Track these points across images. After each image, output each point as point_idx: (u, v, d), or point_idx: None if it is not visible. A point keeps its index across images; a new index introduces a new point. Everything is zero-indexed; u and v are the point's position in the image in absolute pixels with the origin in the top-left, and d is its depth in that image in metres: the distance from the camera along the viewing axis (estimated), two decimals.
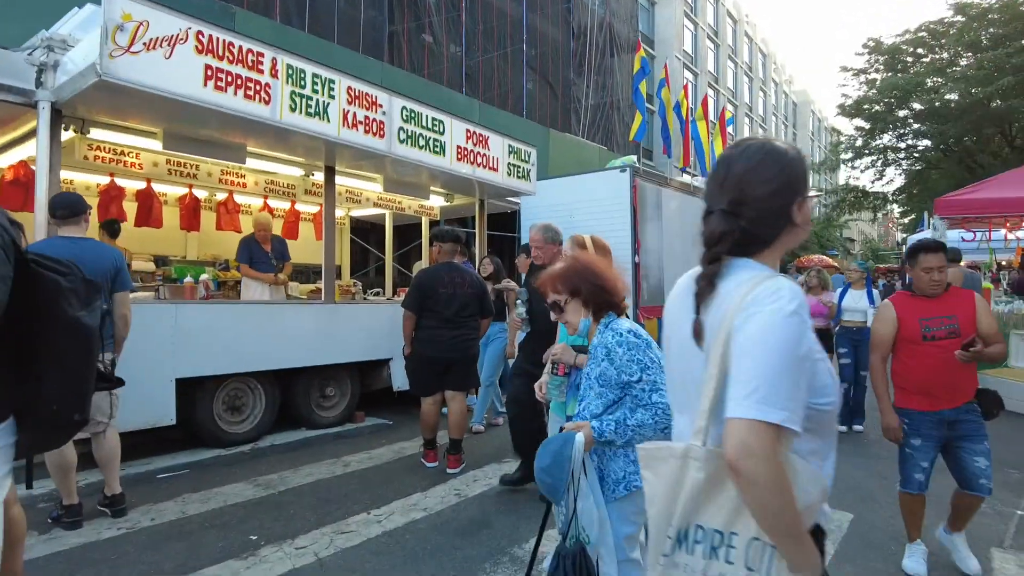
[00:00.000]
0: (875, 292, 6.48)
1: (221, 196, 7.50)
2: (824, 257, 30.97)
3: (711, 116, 17.62)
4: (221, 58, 4.54)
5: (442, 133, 6.33)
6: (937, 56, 25.90)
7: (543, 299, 3.97)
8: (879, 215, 36.85)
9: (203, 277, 5.70)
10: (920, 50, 26.10)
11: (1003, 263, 15.27)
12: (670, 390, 1.50)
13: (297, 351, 5.80)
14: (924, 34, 25.90)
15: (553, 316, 2.36)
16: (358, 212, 9.26)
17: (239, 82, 4.66)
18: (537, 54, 19.58)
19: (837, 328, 6.64)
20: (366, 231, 12.06)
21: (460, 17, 16.76)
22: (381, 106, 5.72)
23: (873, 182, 28.89)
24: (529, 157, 7.61)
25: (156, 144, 5.24)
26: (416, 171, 6.55)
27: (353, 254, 10.61)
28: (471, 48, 17.15)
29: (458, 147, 6.54)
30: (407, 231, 10.55)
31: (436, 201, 8.12)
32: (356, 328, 6.34)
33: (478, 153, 6.79)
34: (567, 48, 21.08)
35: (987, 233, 9.99)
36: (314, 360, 5.94)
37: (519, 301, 4.31)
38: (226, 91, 4.56)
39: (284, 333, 5.69)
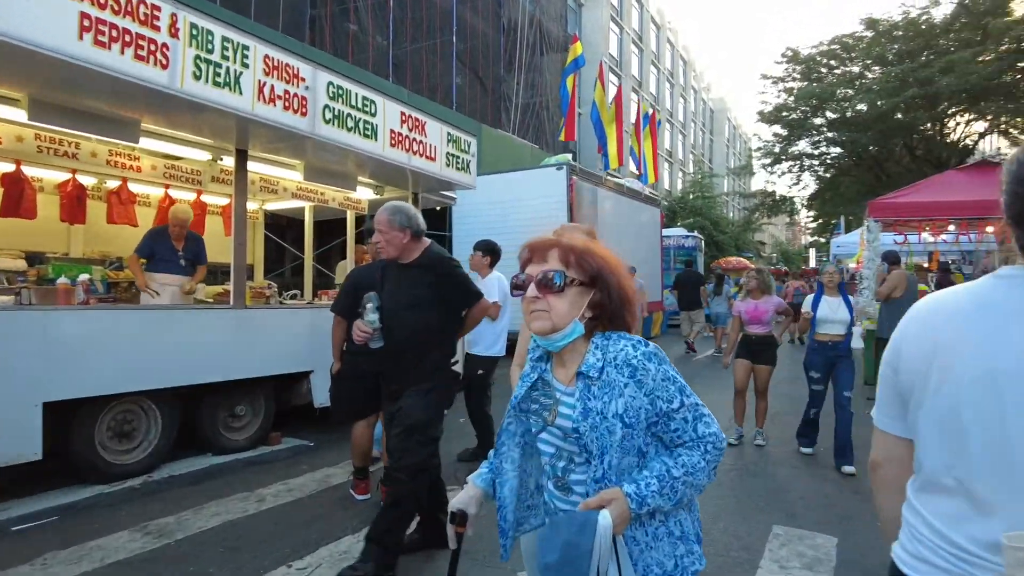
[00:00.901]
0: (852, 299, 5.50)
1: (114, 184, 6.46)
2: (742, 259, 31.90)
3: (641, 120, 17.54)
4: (103, 6, 3.67)
5: (374, 115, 5.61)
6: (847, 69, 27.04)
7: (399, 304, 3.18)
8: (792, 219, 38.54)
9: (82, 277, 4.74)
10: (832, 62, 27.17)
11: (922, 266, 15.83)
12: (955, 447, 1.01)
13: (201, 364, 4.93)
14: (836, 47, 26.97)
15: (530, 293, 1.47)
16: (274, 205, 8.35)
17: (128, 39, 3.81)
18: (467, 48, 18.94)
19: (809, 343, 5.60)
20: (282, 227, 11.07)
21: (387, 4, 15.90)
22: (304, 80, 4.95)
23: (791, 187, 29.97)
24: (469, 147, 6.98)
25: (19, 114, 4.28)
26: (343, 157, 5.80)
27: (267, 252, 9.62)
28: (399, 37, 16.31)
29: (392, 131, 5.83)
30: (328, 228, 9.68)
31: (364, 193, 7.35)
32: (271, 336, 5.52)
33: (414, 139, 6.10)
34: (497, 43, 20.54)
35: (918, 236, 10.13)
36: (222, 375, 5.09)
37: (369, 306, 3.24)
38: (110, 48, 3.70)
39: (186, 343, 4.82)
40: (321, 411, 5.91)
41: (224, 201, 7.31)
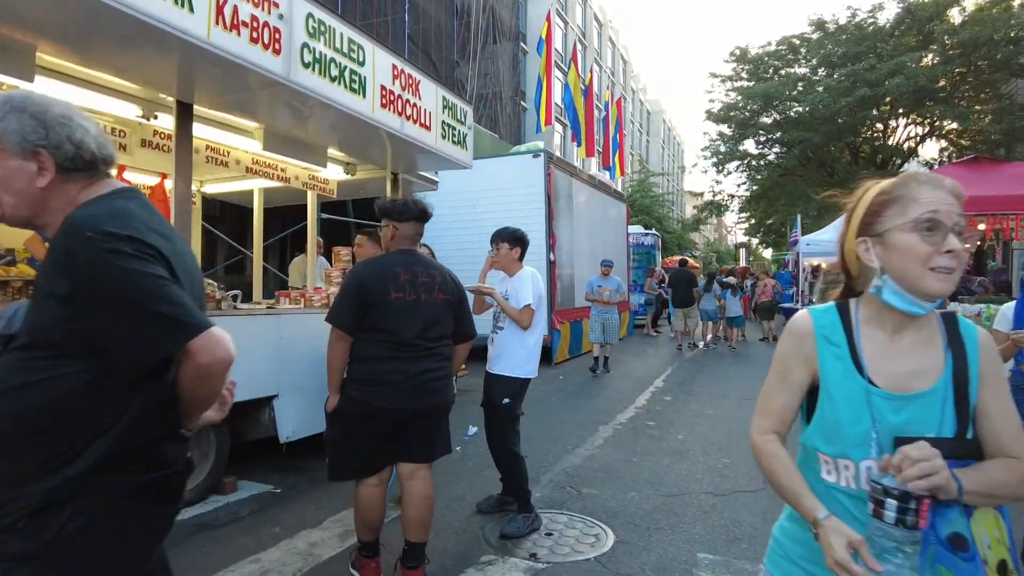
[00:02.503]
0: None
1: None
2: (687, 258, 31.81)
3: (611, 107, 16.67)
4: None
5: (362, 63, 4.33)
6: (792, 71, 27.15)
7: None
8: (737, 218, 39.01)
9: None
10: (778, 63, 27.21)
11: None
12: None
13: None
14: (783, 48, 27.05)
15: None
16: (213, 187, 6.87)
17: None
18: (419, 30, 17.60)
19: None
20: (214, 216, 9.53)
21: None
22: (277, 5, 3.64)
23: (739, 186, 29.96)
24: (465, 117, 5.77)
25: None
26: (319, 119, 4.50)
27: (203, 246, 8.07)
28: (347, 13, 14.82)
29: (382, 88, 4.56)
30: (271, 217, 8.15)
31: (333, 172, 6.00)
32: None
33: (407, 101, 4.85)
34: (450, 27, 19.28)
35: None
36: None
37: None
38: None
39: None
40: (289, 446, 4.60)
41: (154, 180, 5.78)
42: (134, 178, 5.78)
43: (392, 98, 4.66)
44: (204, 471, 4.21)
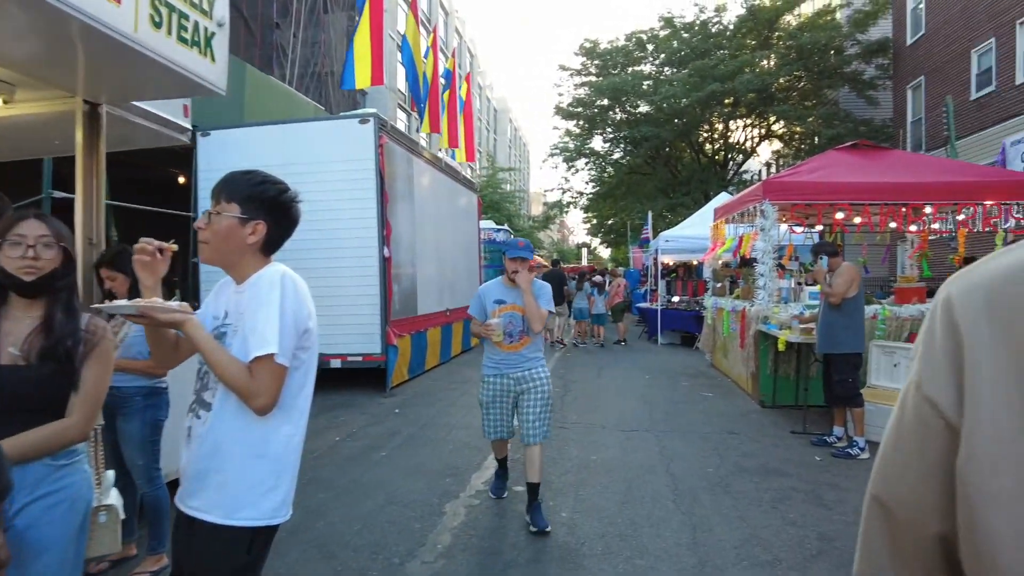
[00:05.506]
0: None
1: None
2: (537, 258, 30.83)
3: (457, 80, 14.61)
4: None
5: None
6: (639, 69, 26.93)
7: None
8: (580, 217, 38.94)
9: None
10: (624, 60, 26.88)
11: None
12: None
13: None
14: (631, 44, 26.73)
15: None
16: None
17: None
18: None
19: None
20: None
21: None
22: None
23: (587, 184, 29.34)
24: (211, 6, 3.34)
25: None
26: None
27: None
28: None
29: None
30: None
31: None
32: None
33: None
34: None
35: (816, 224, 8.44)
36: None
37: None
38: None
39: None
40: None
41: None
42: None
43: None
44: None
